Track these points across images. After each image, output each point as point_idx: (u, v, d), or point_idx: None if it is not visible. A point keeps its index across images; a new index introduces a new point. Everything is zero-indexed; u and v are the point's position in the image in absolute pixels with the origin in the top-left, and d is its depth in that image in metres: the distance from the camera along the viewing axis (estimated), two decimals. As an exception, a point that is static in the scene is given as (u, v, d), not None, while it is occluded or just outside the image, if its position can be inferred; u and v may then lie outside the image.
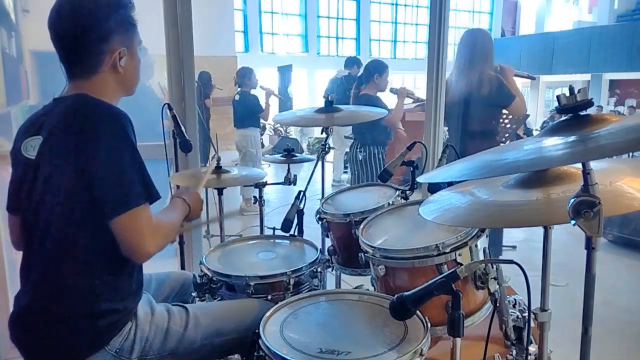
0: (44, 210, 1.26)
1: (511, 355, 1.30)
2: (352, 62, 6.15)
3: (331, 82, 6.60)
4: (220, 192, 2.18)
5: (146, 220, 1.25)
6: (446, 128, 3.38)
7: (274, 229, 2.06)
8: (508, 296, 1.28)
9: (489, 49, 3.19)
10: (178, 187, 1.78)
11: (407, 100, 4.17)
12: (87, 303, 1.26)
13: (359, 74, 5.89)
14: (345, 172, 6.90)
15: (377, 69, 4.08)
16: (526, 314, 1.24)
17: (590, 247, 0.93)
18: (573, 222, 0.86)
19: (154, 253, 1.28)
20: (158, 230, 1.30)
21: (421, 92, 3.40)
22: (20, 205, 1.34)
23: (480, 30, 3.29)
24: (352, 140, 4.35)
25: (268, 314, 1.29)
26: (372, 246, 1.42)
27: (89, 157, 1.20)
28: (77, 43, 1.29)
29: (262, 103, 5.70)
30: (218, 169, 2.12)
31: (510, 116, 4.13)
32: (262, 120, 6.21)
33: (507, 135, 3.93)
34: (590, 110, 0.98)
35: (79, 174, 1.21)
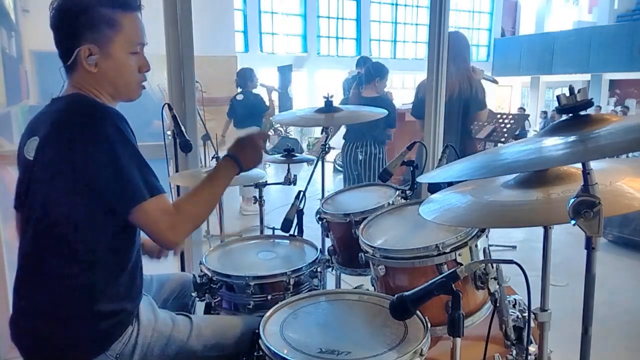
0: (41, 210, 1.26)
1: (511, 355, 1.30)
2: (363, 62, 6.11)
3: (344, 83, 6.60)
4: (220, 192, 2.18)
5: (158, 213, 1.24)
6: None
7: (273, 229, 2.06)
8: (508, 296, 1.28)
9: (464, 49, 3.22)
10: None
11: (407, 101, 4.18)
12: (86, 304, 1.26)
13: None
14: (340, 171, 6.83)
15: (379, 72, 4.11)
16: (526, 314, 1.24)
17: (590, 247, 0.93)
18: (573, 222, 0.86)
19: (181, 239, 1.30)
20: (179, 217, 1.28)
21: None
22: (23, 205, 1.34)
23: (454, 32, 3.33)
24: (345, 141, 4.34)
25: (268, 314, 1.29)
26: (372, 246, 1.42)
27: (84, 158, 1.19)
28: (56, 37, 1.31)
29: (266, 101, 5.74)
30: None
31: (510, 116, 4.14)
32: (270, 118, 6.21)
33: (506, 135, 3.94)
34: (590, 111, 0.99)
35: (73, 175, 1.20)
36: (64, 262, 1.25)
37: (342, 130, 4.36)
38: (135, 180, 1.22)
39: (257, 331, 1.21)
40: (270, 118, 5.91)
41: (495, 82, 3.73)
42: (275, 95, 7.24)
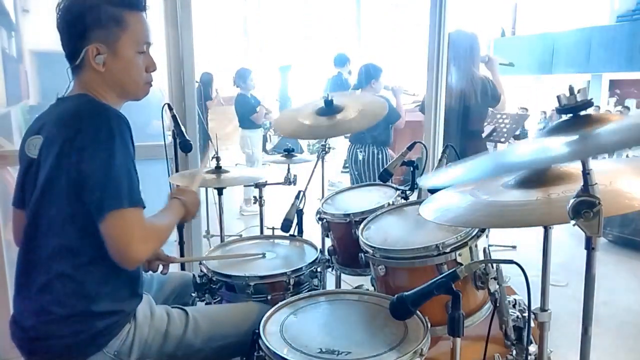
0: (41, 209, 1.26)
1: (511, 355, 1.30)
2: (341, 60, 6.03)
3: (328, 82, 6.55)
4: (220, 192, 2.18)
5: (137, 223, 1.22)
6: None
7: (273, 228, 2.06)
8: (508, 296, 1.28)
9: (474, 48, 3.21)
10: (178, 186, 1.75)
11: (407, 99, 4.18)
12: (83, 303, 1.25)
13: (348, 71, 5.90)
14: (344, 172, 6.80)
15: (374, 73, 4.13)
16: (526, 314, 1.24)
17: (590, 247, 0.93)
18: (573, 222, 0.86)
19: (144, 258, 1.27)
20: (150, 234, 1.27)
21: (421, 92, 3.41)
22: (24, 202, 1.35)
23: (461, 31, 3.33)
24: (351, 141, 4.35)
25: (268, 314, 1.29)
26: (372, 246, 1.42)
27: (81, 158, 1.19)
28: (63, 38, 1.31)
29: (255, 104, 5.75)
30: (218, 169, 2.12)
31: (510, 116, 4.14)
32: (264, 122, 6.23)
33: (506, 135, 3.94)
34: (589, 111, 0.98)
35: (71, 175, 1.20)
36: (59, 262, 1.25)
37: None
38: (121, 185, 1.21)
39: (257, 331, 1.21)
40: (262, 122, 5.93)
41: (512, 64, 3.72)
42: (273, 104, 7.26)
